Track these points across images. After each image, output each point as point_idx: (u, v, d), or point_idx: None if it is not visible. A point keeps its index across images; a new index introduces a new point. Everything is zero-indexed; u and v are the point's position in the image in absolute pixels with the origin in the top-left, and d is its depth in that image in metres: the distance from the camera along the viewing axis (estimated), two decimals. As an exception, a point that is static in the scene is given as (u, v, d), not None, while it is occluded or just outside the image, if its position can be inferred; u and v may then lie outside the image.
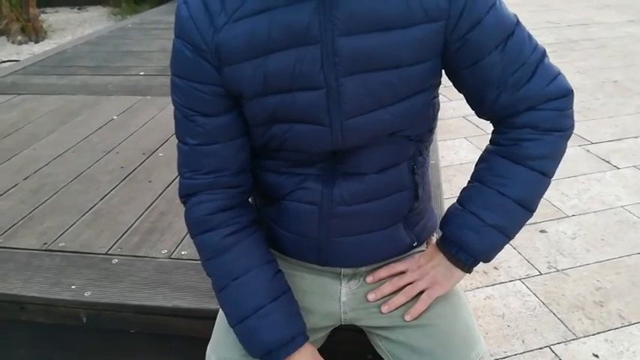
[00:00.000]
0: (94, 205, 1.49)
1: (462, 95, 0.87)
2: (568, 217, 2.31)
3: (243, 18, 0.75)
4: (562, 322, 1.79)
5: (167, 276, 1.18)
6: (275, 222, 0.92)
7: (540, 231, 2.24)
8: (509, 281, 2.00)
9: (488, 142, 0.91)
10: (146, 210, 1.46)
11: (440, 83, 0.85)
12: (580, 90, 3.61)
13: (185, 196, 0.88)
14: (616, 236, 2.19)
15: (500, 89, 0.80)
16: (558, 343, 1.71)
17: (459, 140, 3.10)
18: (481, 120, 0.88)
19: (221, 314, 0.95)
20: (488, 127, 0.89)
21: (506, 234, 0.86)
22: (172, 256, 1.25)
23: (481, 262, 0.89)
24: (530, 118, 0.81)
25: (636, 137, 3.05)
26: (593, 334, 1.74)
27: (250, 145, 0.87)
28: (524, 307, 1.87)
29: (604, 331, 1.75)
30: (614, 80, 3.88)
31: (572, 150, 2.92)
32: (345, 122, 0.78)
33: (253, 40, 0.75)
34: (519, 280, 2.00)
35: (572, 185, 2.52)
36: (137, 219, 1.41)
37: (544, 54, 0.81)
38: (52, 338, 1.22)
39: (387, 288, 0.92)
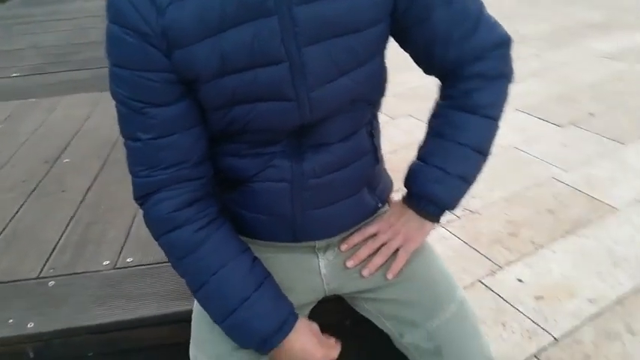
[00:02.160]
0: (6, 227, 1.32)
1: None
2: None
3: None
4: (485, 257, 1.95)
5: (118, 287, 1.10)
6: (242, 206, 0.89)
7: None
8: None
9: (438, 98, 0.95)
10: (70, 222, 1.32)
11: (386, 46, 0.87)
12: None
13: (143, 196, 0.82)
14: (514, 173, 2.42)
15: (448, 44, 0.83)
16: (486, 276, 1.87)
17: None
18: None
19: (199, 311, 0.91)
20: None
21: (469, 181, 0.91)
22: (118, 266, 1.16)
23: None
24: (478, 68, 0.86)
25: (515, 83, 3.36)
26: (514, 262, 1.93)
27: (208, 131, 0.82)
28: (450, 250, 2.01)
29: (522, 258, 1.95)
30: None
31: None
32: (311, 94, 0.76)
33: (205, 18, 0.70)
34: (441, 226, 2.14)
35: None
36: (62, 234, 1.28)
37: (482, 4, 0.85)
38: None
39: (364, 252, 0.94)
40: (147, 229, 1.22)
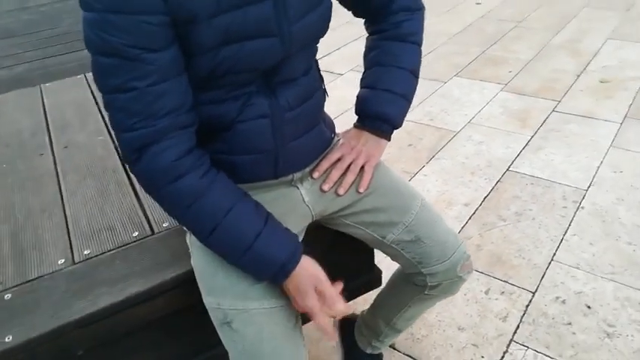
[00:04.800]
0: None
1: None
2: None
3: None
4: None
5: (92, 278, 1.04)
6: (227, 152, 0.94)
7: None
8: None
9: (368, 36, 1.11)
10: (-10, 238, 1.18)
11: None
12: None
13: (139, 149, 0.82)
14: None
15: None
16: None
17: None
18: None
19: (207, 262, 0.94)
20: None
21: (409, 99, 1.10)
22: (78, 261, 1.09)
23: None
24: (402, 2, 1.04)
25: (339, 48, 3.71)
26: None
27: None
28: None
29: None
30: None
31: (302, 70, 3.38)
32: (292, 28, 0.85)
33: None
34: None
35: (318, 97, 2.97)
36: (-12, 251, 1.14)
37: None
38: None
39: (335, 174, 1.06)
40: (89, 222, 1.20)
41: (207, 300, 0.94)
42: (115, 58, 0.75)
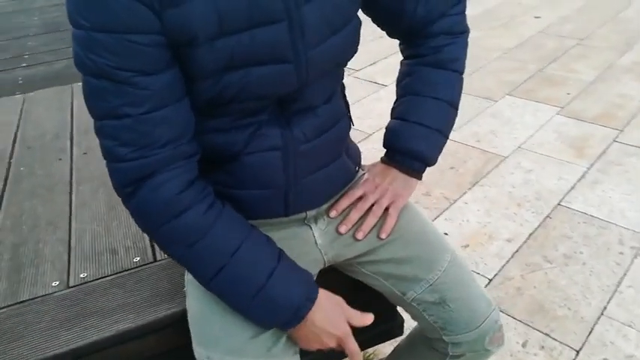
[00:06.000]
0: None
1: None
2: (370, 135, 2.62)
3: None
4: (409, 219, 2.06)
5: (83, 306, 0.96)
6: (232, 186, 0.84)
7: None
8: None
9: (404, 59, 0.98)
10: (-11, 249, 1.13)
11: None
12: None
13: (136, 181, 0.73)
14: (412, 139, 2.58)
15: (417, 1, 0.87)
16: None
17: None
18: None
19: (203, 309, 0.84)
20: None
21: (446, 135, 0.96)
22: (72, 285, 1.02)
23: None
24: (444, 24, 0.91)
25: (386, 57, 3.57)
26: (436, 218, 2.07)
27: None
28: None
29: (442, 214, 2.09)
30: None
31: (346, 79, 3.26)
32: (309, 54, 0.75)
33: None
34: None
35: (359, 108, 2.84)
36: (-16, 263, 1.09)
37: None
38: None
39: (354, 215, 0.94)
40: (93, 240, 1.11)
41: (197, 350, 0.84)
42: (104, 81, 0.67)
